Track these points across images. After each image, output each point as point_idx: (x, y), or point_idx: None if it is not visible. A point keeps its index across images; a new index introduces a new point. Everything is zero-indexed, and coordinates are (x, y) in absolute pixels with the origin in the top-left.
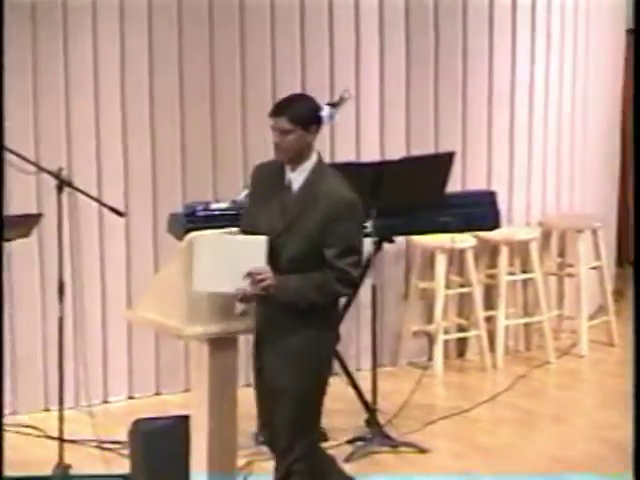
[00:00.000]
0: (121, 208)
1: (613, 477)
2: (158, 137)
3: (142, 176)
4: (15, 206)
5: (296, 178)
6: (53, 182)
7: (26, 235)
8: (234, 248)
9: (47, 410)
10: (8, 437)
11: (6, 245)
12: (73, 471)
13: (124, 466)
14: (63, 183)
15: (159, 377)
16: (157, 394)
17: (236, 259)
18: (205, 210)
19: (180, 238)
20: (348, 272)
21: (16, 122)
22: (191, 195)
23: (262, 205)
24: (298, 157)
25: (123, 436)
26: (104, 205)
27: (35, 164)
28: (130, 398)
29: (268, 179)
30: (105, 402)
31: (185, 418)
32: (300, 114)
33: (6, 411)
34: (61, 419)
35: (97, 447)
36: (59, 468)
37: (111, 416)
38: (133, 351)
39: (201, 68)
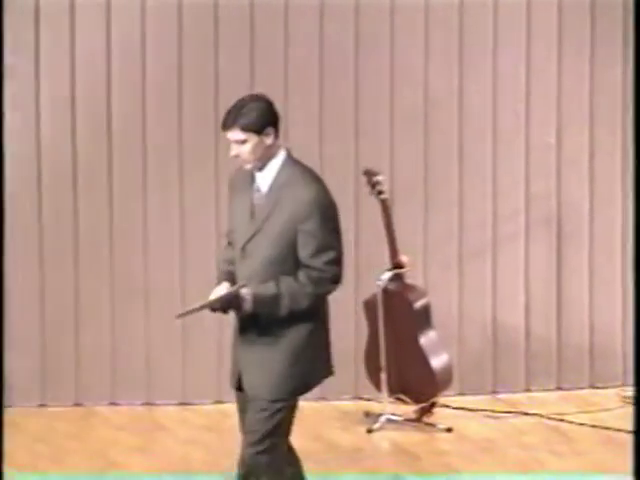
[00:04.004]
0: None
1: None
2: None
3: None
4: None
5: (263, 180)
6: None
7: None
8: None
9: None
10: None
11: None
12: None
13: None
14: None
15: None
16: None
17: None
18: None
19: None
20: (325, 270)
21: None
22: None
23: (237, 212)
24: (260, 162)
25: None
26: None
27: None
28: None
29: (241, 185)
30: None
31: None
32: (251, 121)
33: None
34: None
35: None
36: None
37: None
38: None
39: None
